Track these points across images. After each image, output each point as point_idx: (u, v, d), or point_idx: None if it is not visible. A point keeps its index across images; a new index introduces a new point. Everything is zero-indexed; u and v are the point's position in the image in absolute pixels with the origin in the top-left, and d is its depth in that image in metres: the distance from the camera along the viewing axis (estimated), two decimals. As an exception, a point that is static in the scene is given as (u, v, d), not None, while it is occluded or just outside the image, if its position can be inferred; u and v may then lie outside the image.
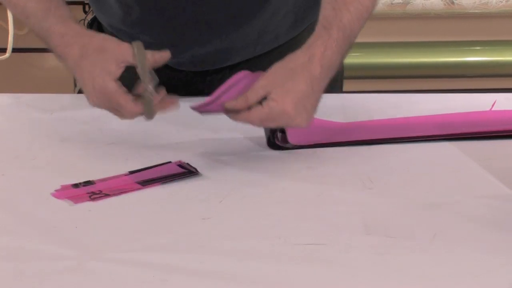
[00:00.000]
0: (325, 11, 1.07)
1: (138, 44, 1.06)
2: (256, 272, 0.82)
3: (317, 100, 1.03)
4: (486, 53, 2.70)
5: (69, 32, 1.07)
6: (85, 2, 2.32)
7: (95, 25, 1.35)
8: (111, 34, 1.30)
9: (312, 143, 1.11)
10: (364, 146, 1.12)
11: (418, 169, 1.05)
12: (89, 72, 1.04)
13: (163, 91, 1.05)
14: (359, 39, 1.10)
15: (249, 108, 1.01)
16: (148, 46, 1.26)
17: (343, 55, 1.07)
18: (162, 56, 1.07)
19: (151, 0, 1.21)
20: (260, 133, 1.13)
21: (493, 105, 1.19)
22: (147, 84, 1.04)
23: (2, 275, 0.81)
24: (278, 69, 1.03)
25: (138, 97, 1.05)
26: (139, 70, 1.04)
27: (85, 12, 2.32)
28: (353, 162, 1.07)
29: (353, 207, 0.95)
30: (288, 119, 1.01)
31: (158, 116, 1.10)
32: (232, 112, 1.03)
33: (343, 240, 0.87)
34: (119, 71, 1.04)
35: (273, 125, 1.04)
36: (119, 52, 1.05)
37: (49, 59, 2.60)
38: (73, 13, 1.11)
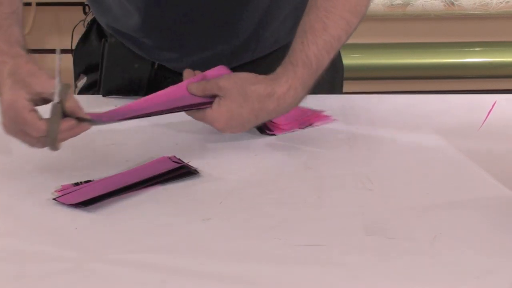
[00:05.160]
0: (294, 43, 1.09)
1: (65, 88, 1.00)
2: (255, 273, 0.82)
3: (257, 123, 1.09)
4: (486, 54, 2.70)
5: (9, 52, 1.03)
6: (85, 3, 2.32)
7: (94, 26, 1.35)
8: (111, 35, 1.30)
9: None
10: (364, 147, 1.12)
11: (418, 170, 1.05)
12: (9, 88, 1.01)
13: (73, 121, 1.00)
14: (359, 40, 1.10)
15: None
16: (150, 49, 1.26)
17: (308, 89, 1.09)
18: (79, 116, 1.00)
19: (150, 8, 1.21)
20: (261, 134, 1.15)
21: (493, 106, 1.19)
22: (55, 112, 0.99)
23: (2, 276, 0.81)
24: (238, 83, 1.06)
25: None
26: (53, 105, 0.99)
27: (85, 13, 2.32)
28: (353, 162, 1.07)
29: (353, 208, 0.95)
30: (217, 129, 1.07)
31: (158, 117, 1.10)
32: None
33: (343, 241, 0.87)
34: (36, 98, 1.00)
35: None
36: (44, 86, 1.00)
37: (49, 60, 2.59)
38: (23, 38, 1.07)
